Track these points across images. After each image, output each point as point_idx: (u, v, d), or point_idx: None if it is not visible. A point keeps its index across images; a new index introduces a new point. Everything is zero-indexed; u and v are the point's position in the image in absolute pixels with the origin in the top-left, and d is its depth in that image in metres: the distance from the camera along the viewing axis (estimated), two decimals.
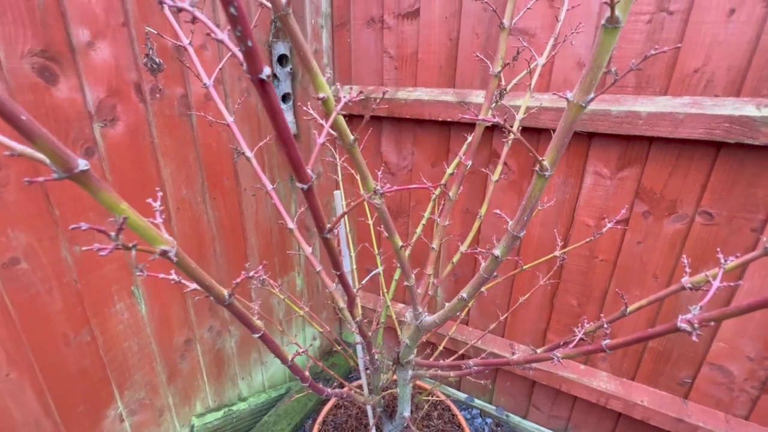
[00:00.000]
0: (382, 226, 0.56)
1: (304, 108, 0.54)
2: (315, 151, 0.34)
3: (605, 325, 0.53)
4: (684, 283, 0.45)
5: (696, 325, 0.30)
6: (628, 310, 0.55)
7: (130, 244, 0.25)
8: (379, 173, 0.91)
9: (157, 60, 0.68)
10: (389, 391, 1.32)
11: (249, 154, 0.69)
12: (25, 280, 0.88)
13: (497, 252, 0.48)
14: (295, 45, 0.31)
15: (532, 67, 0.77)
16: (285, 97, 1.41)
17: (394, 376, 1.27)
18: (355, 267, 1.15)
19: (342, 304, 0.79)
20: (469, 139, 0.82)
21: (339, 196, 0.90)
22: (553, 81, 1.13)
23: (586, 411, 1.41)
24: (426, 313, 0.73)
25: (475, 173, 1.33)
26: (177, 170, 1.13)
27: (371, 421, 1.22)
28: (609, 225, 0.81)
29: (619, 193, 1.13)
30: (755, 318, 1.05)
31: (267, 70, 0.23)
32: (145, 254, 0.27)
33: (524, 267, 0.86)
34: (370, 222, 1.07)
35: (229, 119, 0.70)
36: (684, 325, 0.31)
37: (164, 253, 0.28)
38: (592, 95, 0.33)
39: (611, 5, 0.28)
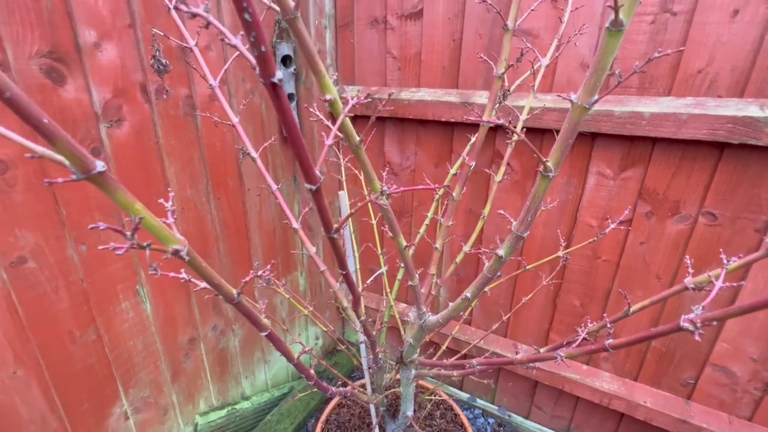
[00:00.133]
0: (385, 226, 0.57)
1: (311, 110, 0.55)
2: (323, 153, 0.35)
3: (608, 325, 0.53)
4: (687, 283, 0.45)
5: (698, 325, 0.30)
6: (631, 310, 0.55)
7: (145, 243, 0.25)
8: (384, 174, 0.91)
9: (163, 61, 0.69)
10: (392, 390, 1.32)
11: (254, 154, 0.70)
12: (33, 279, 0.89)
13: (501, 252, 0.48)
14: (302, 48, 0.31)
15: (535, 68, 0.77)
16: (289, 98, 1.41)
17: (397, 376, 1.27)
18: (358, 266, 1.15)
19: (346, 304, 0.80)
20: (473, 139, 0.82)
21: (344, 196, 0.91)
22: (556, 81, 1.13)
23: (588, 411, 1.41)
24: (429, 313, 0.74)
25: (478, 173, 1.33)
26: (182, 170, 1.14)
27: (374, 420, 1.23)
28: (612, 226, 0.81)
29: (622, 193, 1.13)
30: (759, 319, 1.05)
31: (279, 74, 0.24)
32: (148, 252, 0.27)
33: (527, 267, 0.86)
34: (374, 222, 1.08)
35: (235, 120, 0.71)
36: (687, 325, 0.31)
37: (176, 252, 0.28)
38: (595, 97, 0.33)
39: (615, 9, 0.28)
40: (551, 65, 1.12)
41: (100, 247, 0.26)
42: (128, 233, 0.24)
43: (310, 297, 1.75)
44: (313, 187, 0.32)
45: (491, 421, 1.63)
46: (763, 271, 1.01)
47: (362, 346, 1.15)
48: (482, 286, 0.55)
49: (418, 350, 0.89)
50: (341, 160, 1.09)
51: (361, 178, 1.07)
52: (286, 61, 1.35)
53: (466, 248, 0.83)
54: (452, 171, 0.86)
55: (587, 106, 0.34)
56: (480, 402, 1.66)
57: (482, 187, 1.35)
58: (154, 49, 0.68)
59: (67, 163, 0.21)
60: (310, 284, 1.72)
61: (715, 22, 0.92)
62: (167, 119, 1.07)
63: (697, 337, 0.30)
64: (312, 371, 0.60)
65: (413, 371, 0.90)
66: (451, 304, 0.63)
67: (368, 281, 0.56)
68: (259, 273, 0.41)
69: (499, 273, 0.53)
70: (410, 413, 1.04)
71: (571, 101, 0.34)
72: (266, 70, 0.23)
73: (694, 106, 0.95)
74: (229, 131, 1.24)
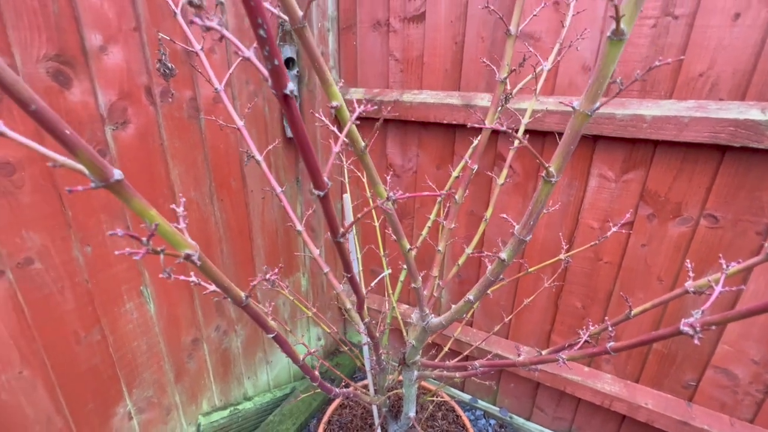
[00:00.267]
0: (388, 228, 0.57)
1: (316, 115, 0.55)
2: (330, 160, 0.35)
3: (610, 328, 0.53)
4: (688, 287, 0.46)
5: (698, 329, 0.31)
6: (632, 313, 0.55)
7: (159, 249, 0.26)
8: (388, 178, 0.92)
9: (169, 65, 0.70)
10: (394, 391, 1.33)
11: (259, 157, 0.71)
12: (39, 279, 0.90)
13: (504, 255, 0.48)
14: (310, 56, 0.32)
15: (537, 71, 0.78)
16: None
17: (400, 377, 1.28)
18: (361, 268, 1.16)
19: (348, 305, 0.81)
20: (475, 142, 0.83)
21: (347, 199, 0.92)
22: (558, 84, 1.14)
23: (590, 413, 1.41)
24: (432, 315, 0.74)
25: (480, 175, 1.33)
26: (185, 172, 1.15)
27: (376, 421, 1.24)
28: (614, 229, 0.82)
29: (624, 195, 1.13)
30: (760, 321, 1.05)
31: (291, 86, 0.25)
32: (162, 257, 0.28)
33: (529, 270, 0.87)
34: (376, 224, 1.08)
35: (240, 123, 0.72)
36: (687, 329, 0.32)
37: (188, 257, 0.29)
38: (597, 104, 0.34)
39: (617, 19, 0.29)
40: (553, 68, 1.12)
41: (117, 252, 0.27)
42: (144, 239, 0.25)
43: (312, 298, 1.76)
44: (322, 194, 0.33)
45: (493, 422, 1.63)
46: (765, 274, 1.01)
47: (365, 348, 1.15)
48: (485, 288, 0.55)
49: (420, 352, 0.90)
50: (344, 163, 1.10)
51: (364, 180, 1.07)
52: (289, 63, 1.36)
53: (469, 250, 0.83)
54: (454, 174, 0.87)
55: (589, 113, 0.34)
56: (481, 403, 1.66)
57: (484, 189, 1.35)
58: (161, 53, 0.69)
59: (86, 171, 0.21)
60: (312, 285, 1.73)
61: (716, 25, 0.93)
62: (171, 121, 1.08)
63: (696, 341, 0.30)
64: (316, 373, 0.61)
65: (416, 373, 0.91)
66: (453, 306, 0.63)
67: (372, 284, 0.57)
68: (267, 276, 0.42)
69: (501, 276, 0.54)
70: (412, 414, 1.04)
71: (573, 108, 0.35)
72: (279, 82, 0.24)
73: (696, 109, 0.96)
74: (232, 133, 1.25)
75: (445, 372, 0.83)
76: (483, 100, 1.22)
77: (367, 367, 1.22)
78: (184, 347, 1.28)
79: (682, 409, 1.20)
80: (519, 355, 0.57)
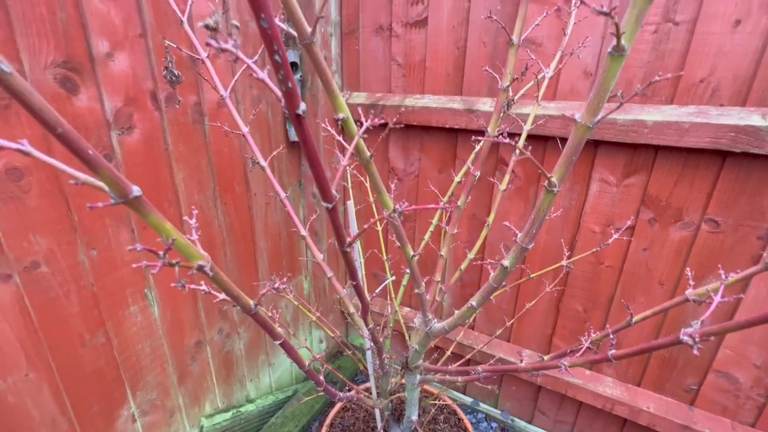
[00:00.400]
0: (391, 233, 0.58)
1: (323, 125, 0.56)
2: (338, 173, 0.36)
3: (611, 336, 0.54)
4: (688, 295, 0.46)
5: (697, 340, 0.32)
6: (634, 320, 0.56)
7: (174, 261, 0.27)
8: (393, 186, 0.92)
9: (176, 72, 0.71)
10: (397, 395, 1.34)
11: (263, 163, 0.71)
12: (45, 283, 0.91)
13: (506, 262, 0.49)
14: (317, 69, 0.33)
15: (539, 78, 0.79)
16: None
17: (402, 380, 1.28)
18: (363, 272, 1.17)
19: (352, 310, 0.81)
20: (477, 148, 0.84)
21: (351, 206, 0.92)
22: (559, 89, 1.15)
23: (591, 416, 1.42)
24: (435, 320, 0.75)
25: (482, 179, 1.34)
26: (190, 176, 1.16)
27: (379, 425, 1.24)
28: (615, 236, 0.82)
29: (625, 200, 1.14)
30: (761, 326, 1.06)
31: (303, 106, 0.25)
32: (177, 270, 0.29)
33: (531, 276, 0.87)
34: (379, 228, 1.09)
35: (245, 129, 0.73)
36: (686, 339, 0.32)
37: (201, 268, 0.30)
38: (599, 117, 0.35)
39: (617, 35, 0.29)
40: (555, 74, 1.13)
41: (135, 266, 0.28)
42: (161, 253, 0.26)
43: (314, 300, 1.76)
44: (330, 206, 0.34)
45: (494, 425, 1.63)
46: (766, 280, 1.01)
47: (368, 353, 1.16)
48: (488, 295, 0.56)
49: (423, 356, 0.90)
50: (343, 160, 1.11)
51: (367, 184, 1.08)
52: (292, 67, 1.37)
53: (471, 255, 0.84)
54: (457, 179, 0.87)
55: (591, 126, 0.35)
56: (483, 406, 1.66)
57: (486, 193, 1.36)
58: (167, 60, 0.70)
59: (106, 188, 0.22)
60: (314, 288, 1.74)
61: (717, 32, 0.93)
62: (176, 126, 1.09)
63: (695, 352, 0.31)
64: (321, 378, 0.62)
65: (418, 377, 0.91)
66: (456, 311, 0.64)
67: (376, 291, 0.58)
68: (276, 285, 0.43)
69: (504, 283, 0.55)
70: (415, 418, 1.05)
71: (575, 120, 0.35)
72: (292, 102, 0.25)
73: (697, 115, 0.96)
74: (236, 137, 1.26)
75: (447, 376, 0.83)
76: (485, 104, 1.23)
77: (370, 371, 1.22)
78: (188, 350, 1.29)
79: (683, 413, 1.20)
80: (521, 360, 0.58)
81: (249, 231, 1.38)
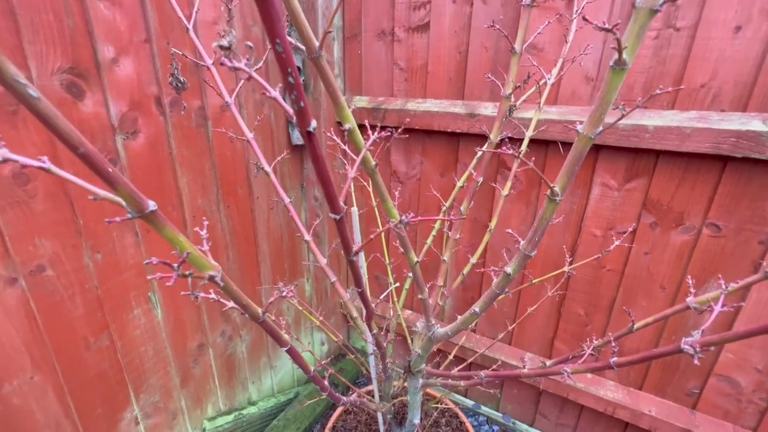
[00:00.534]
0: (395, 240, 0.59)
1: (328, 134, 0.57)
2: (346, 186, 0.37)
3: (612, 343, 0.54)
4: (689, 303, 0.47)
5: (698, 349, 0.32)
6: (635, 327, 0.56)
7: (187, 272, 0.28)
8: (397, 193, 0.93)
9: (181, 79, 0.72)
10: (399, 398, 1.34)
11: (268, 168, 0.72)
12: (50, 286, 0.92)
13: (509, 269, 0.50)
14: (325, 83, 0.33)
15: (540, 84, 0.79)
16: None
17: (405, 384, 1.29)
18: (366, 276, 1.17)
19: (355, 314, 0.82)
20: (479, 153, 0.84)
21: (355, 212, 0.93)
22: (561, 94, 1.15)
23: (593, 420, 1.42)
24: (438, 325, 0.76)
25: (483, 182, 1.35)
26: (193, 180, 1.17)
27: (381, 428, 1.24)
28: (616, 242, 0.83)
29: (627, 204, 1.14)
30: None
31: (314, 124, 0.26)
32: (189, 281, 0.29)
33: (533, 281, 0.88)
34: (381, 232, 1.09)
35: (249, 135, 0.73)
36: (687, 348, 0.33)
37: (212, 278, 0.31)
38: (600, 129, 0.35)
39: (619, 50, 0.30)
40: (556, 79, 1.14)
41: (149, 277, 0.28)
42: (175, 265, 0.26)
43: (316, 303, 1.77)
44: (338, 217, 0.35)
45: (496, 428, 1.63)
46: (767, 284, 1.02)
47: (371, 358, 1.17)
48: (490, 300, 0.57)
49: (425, 360, 0.91)
50: (350, 172, 1.11)
51: (369, 189, 1.09)
52: None
53: (473, 260, 0.85)
54: (459, 183, 0.88)
55: (592, 137, 0.36)
56: (485, 409, 1.66)
57: (487, 196, 1.37)
58: (173, 67, 0.71)
59: (124, 204, 0.23)
60: (316, 290, 1.74)
61: (717, 37, 0.94)
62: (180, 130, 1.10)
63: (696, 362, 0.31)
64: (326, 383, 0.62)
65: (421, 381, 0.92)
66: (459, 317, 0.64)
67: (381, 297, 0.58)
68: (284, 294, 0.44)
69: (506, 289, 0.55)
70: (417, 421, 1.05)
71: (577, 131, 0.36)
72: (303, 121, 0.26)
73: (698, 120, 0.97)
74: (239, 141, 1.27)
75: (450, 380, 0.84)
76: (487, 109, 1.23)
77: (373, 375, 1.23)
78: (190, 352, 1.29)
79: (685, 417, 1.20)
80: (524, 366, 0.58)
81: (251, 234, 1.39)
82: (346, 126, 0.37)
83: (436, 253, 0.89)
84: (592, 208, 1.19)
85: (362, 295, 0.52)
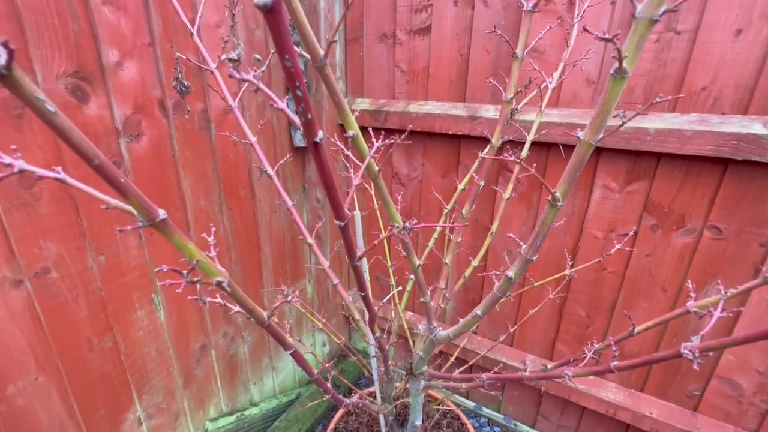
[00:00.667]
0: (397, 243, 0.59)
1: (332, 140, 0.57)
2: (350, 193, 0.37)
3: (613, 347, 0.55)
4: (689, 307, 0.47)
5: (697, 354, 0.32)
6: (636, 330, 0.57)
7: (196, 279, 0.28)
8: (399, 197, 0.93)
9: (185, 83, 0.72)
10: (401, 400, 1.34)
11: (271, 172, 0.73)
12: (55, 288, 0.92)
13: (511, 273, 0.50)
14: (329, 90, 0.34)
15: (542, 87, 0.80)
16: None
17: (407, 385, 1.29)
18: (367, 278, 1.18)
19: (357, 316, 0.82)
20: (481, 155, 0.85)
21: (358, 216, 0.93)
22: (562, 97, 1.16)
23: (594, 422, 1.42)
24: (440, 328, 0.76)
25: (485, 184, 1.35)
26: (196, 182, 1.17)
27: (383, 429, 1.25)
28: (617, 246, 0.83)
29: (628, 206, 1.14)
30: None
31: (320, 134, 0.27)
32: (198, 287, 0.30)
33: (534, 284, 0.88)
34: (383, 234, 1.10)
35: (252, 139, 0.74)
36: (687, 353, 0.33)
37: (219, 284, 0.31)
38: (601, 135, 0.36)
39: (619, 59, 0.31)
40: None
41: (160, 283, 0.29)
42: (185, 272, 0.27)
43: (318, 304, 1.78)
44: (342, 224, 0.35)
45: (497, 430, 1.64)
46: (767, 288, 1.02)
47: (373, 360, 1.17)
48: (492, 304, 0.57)
49: (427, 362, 0.91)
50: (353, 175, 1.12)
51: (371, 191, 1.09)
52: None
53: (475, 263, 0.85)
54: (461, 186, 0.88)
55: (593, 143, 0.36)
56: (486, 411, 1.67)
57: (488, 198, 1.37)
58: (177, 71, 0.72)
59: (135, 212, 0.24)
60: (317, 292, 1.75)
61: (718, 41, 0.94)
62: (183, 133, 1.11)
63: (695, 367, 0.31)
64: (329, 385, 0.63)
65: (422, 383, 0.92)
66: (461, 320, 0.65)
67: (383, 301, 0.59)
68: (289, 299, 0.44)
69: (508, 293, 0.55)
70: (419, 423, 1.05)
71: (578, 138, 0.37)
72: (310, 132, 0.26)
73: (699, 123, 0.97)
74: (241, 143, 1.28)
75: (452, 382, 0.84)
76: (488, 111, 1.24)
77: (375, 377, 1.23)
78: (193, 353, 1.30)
79: (686, 419, 1.20)
80: (525, 369, 0.59)
81: (254, 236, 1.40)
82: (350, 133, 0.37)
83: (437, 255, 0.90)
84: (593, 210, 1.20)
85: (366, 300, 0.53)
